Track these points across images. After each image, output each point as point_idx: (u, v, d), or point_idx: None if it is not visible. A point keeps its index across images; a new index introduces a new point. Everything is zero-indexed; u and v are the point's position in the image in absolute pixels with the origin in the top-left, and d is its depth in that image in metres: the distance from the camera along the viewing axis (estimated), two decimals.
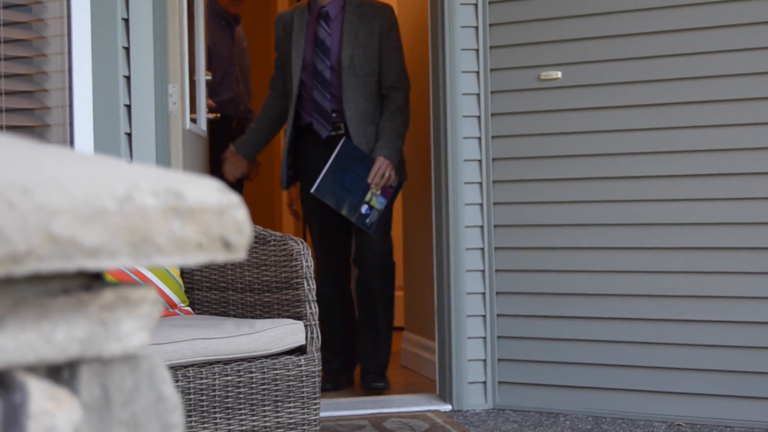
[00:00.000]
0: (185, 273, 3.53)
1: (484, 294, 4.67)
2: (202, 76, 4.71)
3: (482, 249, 4.68)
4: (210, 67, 5.81)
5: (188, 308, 3.49)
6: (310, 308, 3.24)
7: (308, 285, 3.25)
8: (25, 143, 0.96)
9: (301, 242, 3.29)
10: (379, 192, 4.87)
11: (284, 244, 3.31)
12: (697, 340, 4.24)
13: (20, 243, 0.81)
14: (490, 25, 4.67)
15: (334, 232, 5.14)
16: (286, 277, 3.29)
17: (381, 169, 4.88)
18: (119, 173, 0.92)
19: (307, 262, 3.26)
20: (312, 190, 4.86)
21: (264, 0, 7.94)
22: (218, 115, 5.31)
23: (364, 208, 4.84)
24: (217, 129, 5.82)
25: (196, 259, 0.94)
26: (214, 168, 5.71)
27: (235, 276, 3.42)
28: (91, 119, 3.80)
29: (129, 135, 3.86)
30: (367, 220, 4.85)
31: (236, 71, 6.01)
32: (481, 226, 4.68)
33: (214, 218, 0.94)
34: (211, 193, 0.95)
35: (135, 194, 0.89)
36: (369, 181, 4.86)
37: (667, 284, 4.29)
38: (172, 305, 3.44)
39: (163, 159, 3.97)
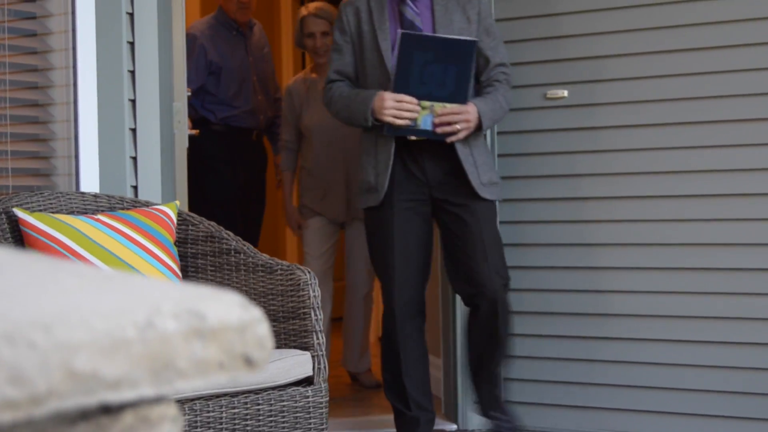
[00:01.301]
0: None
1: None
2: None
3: None
4: (221, 81, 5.76)
5: None
6: (317, 339, 3.22)
7: (315, 315, 3.23)
8: (45, 263, 0.95)
9: (308, 272, 3.27)
10: (438, 119, 3.97)
11: (291, 274, 3.30)
12: (701, 361, 4.22)
13: (41, 384, 0.79)
14: (497, 21, 4.63)
15: (418, 258, 4.17)
16: (293, 307, 3.27)
17: (457, 117, 3.98)
18: (140, 296, 0.90)
19: (314, 292, 3.24)
20: (403, 32, 3.96)
21: (267, 3, 7.91)
22: (197, 131, 4.81)
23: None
24: (233, 141, 5.77)
25: (217, 379, 0.92)
26: (211, 180, 5.68)
27: None
28: (96, 144, 3.78)
29: (134, 159, 3.84)
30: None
31: (253, 81, 5.85)
32: None
33: (235, 336, 0.92)
34: (232, 311, 0.93)
35: (156, 320, 0.87)
36: (439, 114, 3.97)
37: (673, 305, 4.27)
38: None
39: (168, 180, 3.96)
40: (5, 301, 0.84)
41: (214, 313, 0.91)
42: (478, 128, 4.03)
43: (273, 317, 3.32)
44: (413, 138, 4.02)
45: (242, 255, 3.44)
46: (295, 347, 3.26)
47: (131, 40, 3.83)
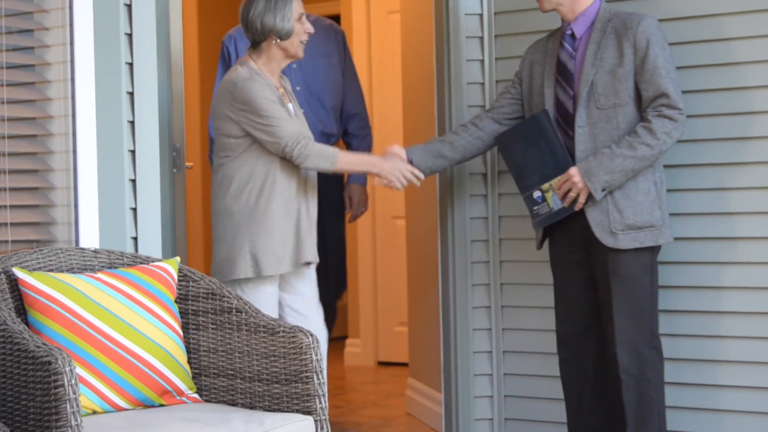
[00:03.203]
0: (192, 359, 3.49)
1: (491, 353, 4.64)
2: None
3: (489, 307, 4.64)
4: None
5: (195, 395, 3.44)
6: (320, 403, 3.20)
7: (318, 379, 3.21)
8: None
9: (311, 335, 3.25)
10: (559, 194, 3.98)
11: (293, 337, 3.27)
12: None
13: None
14: (496, 36, 4.62)
15: (579, 301, 4.07)
16: (295, 370, 3.25)
17: (566, 185, 3.94)
18: None
19: (316, 355, 3.22)
20: (495, 136, 4.14)
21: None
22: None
23: (536, 194, 4.03)
24: None
25: None
26: None
27: (243, 365, 3.38)
28: (95, 195, 3.76)
29: (134, 210, 3.81)
30: (535, 208, 4.04)
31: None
32: (488, 285, 4.64)
33: None
34: None
35: None
36: (557, 189, 3.97)
37: (678, 347, 4.24)
38: (179, 393, 3.40)
39: (168, 231, 3.94)
40: None
41: None
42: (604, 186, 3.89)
43: (275, 379, 3.30)
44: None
45: (243, 314, 3.41)
46: (297, 411, 3.24)
47: (131, 90, 3.81)
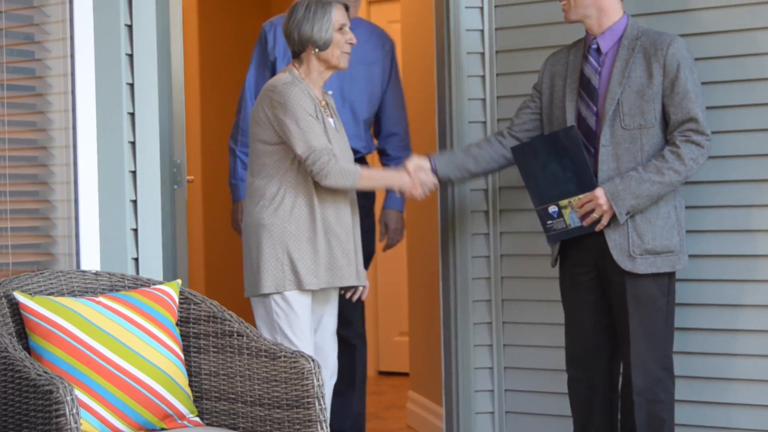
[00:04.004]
0: (193, 382, 3.49)
1: (492, 368, 4.64)
2: None
3: (490, 323, 4.64)
4: None
5: (197, 419, 3.44)
6: (322, 429, 3.20)
7: (319, 405, 3.21)
8: None
9: (313, 360, 3.24)
10: (579, 213, 3.91)
11: (295, 362, 3.27)
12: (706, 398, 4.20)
13: None
14: (497, 52, 4.61)
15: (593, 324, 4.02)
16: (296, 396, 3.24)
17: (589, 205, 3.88)
18: None
19: (318, 381, 3.22)
20: (511, 146, 4.06)
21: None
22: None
23: (552, 209, 3.95)
24: None
25: None
26: None
27: (244, 388, 3.38)
28: (96, 216, 3.76)
29: (135, 231, 3.81)
30: (549, 223, 3.97)
31: None
32: (489, 300, 4.64)
33: None
34: None
35: None
36: (577, 207, 3.91)
37: (697, 365, 4.22)
38: (180, 416, 3.40)
39: (169, 252, 3.93)
40: None
41: None
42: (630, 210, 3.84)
43: (276, 404, 3.29)
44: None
45: (245, 338, 3.41)
46: None
47: (131, 110, 3.80)
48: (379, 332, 7.22)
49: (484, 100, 4.63)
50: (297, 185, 3.83)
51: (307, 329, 3.81)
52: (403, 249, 6.14)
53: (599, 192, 3.84)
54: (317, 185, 3.84)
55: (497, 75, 4.61)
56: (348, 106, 4.67)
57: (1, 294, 3.32)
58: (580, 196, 3.88)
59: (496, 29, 4.61)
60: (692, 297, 4.17)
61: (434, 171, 4.09)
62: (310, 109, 3.83)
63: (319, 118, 3.85)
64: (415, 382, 5.69)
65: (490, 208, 4.61)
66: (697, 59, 3.95)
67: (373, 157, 5.02)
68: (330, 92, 4.21)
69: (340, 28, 3.91)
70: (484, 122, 4.61)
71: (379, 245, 4.87)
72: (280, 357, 3.31)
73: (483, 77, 4.63)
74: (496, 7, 4.59)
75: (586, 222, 3.89)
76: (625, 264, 3.85)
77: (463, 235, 4.64)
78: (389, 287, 7.14)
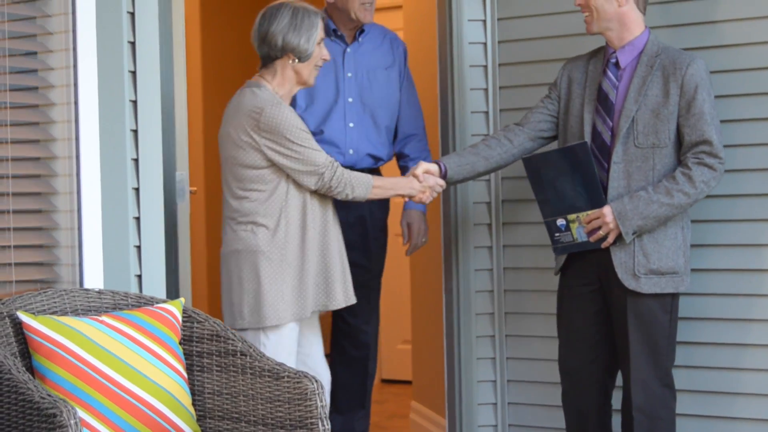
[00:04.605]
0: (197, 401, 3.48)
1: (495, 381, 4.64)
2: None
3: (493, 336, 4.64)
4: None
5: None
6: None
7: (323, 426, 3.20)
8: None
9: (316, 381, 3.24)
10: (586, 228, 3.91)
11: (298, 382, 3.27)
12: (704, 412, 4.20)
13: None
14: (500, 65, 4.62)
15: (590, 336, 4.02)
16: (300, 416, 3.24)
17: (596, 222, 3.89)
18: None
19: (321, 402, 3.22)
20: (523, 157, 4.06)
21: None
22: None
23: (560, 222, 3.96)
24: None
25: None
26: None
27: (248, 408, 3.38)
28: (100, 233, 3.76)
29: (138, 248, 3.81)
30: (556, 235, 3.98)
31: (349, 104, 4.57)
32: (492, 313, 4.64)
33: None
34: None
35: None
36: (585, 223, 3.91)
37: (702, 380, 4.22)
38: None
39: (172, 269, 3.93)
40: None
41: None
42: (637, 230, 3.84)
43: (279, 424, 3.29)
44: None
45: (248, 358, 3.40)
46: None
47: (134, 127, 3.80)
48: (382, 340, 7.22)
49: (486, 113, 4.63)
50: (288, 209, 3.75)
51: (292, 358, 3.77)
52: (406, 258, 6.14)
53: (607, 210, 3.84)
54: (306, 208, 3.76)
55: (500, 88, 4.62)
56: (369, 112, 4.50)
57: (5, 313, 3.31)
58: (588, 212, 3.88)
59: (498, 42, 4.61)
60: (699, 311, 4.18)
61: (443, 175, 4.07)
62: (301, 124, 3.73)
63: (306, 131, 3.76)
64: (418, 392, 5.69)
65: (492, 221, 4.61)
66: (712, 72, 3.94)
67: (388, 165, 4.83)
68: (351, 99, 4.14)
69: (320, 43, 3.84)
70: (487, 135, 4.60)
71: (402, 248, 4.73)
72: (283, 377, 3.31)
73: (486, 90, 4.63)
74: (498, 20, 4.60)
75: (593, 238, 3.89)
76: (629, 283, 3.85)
77: (466, 248, 4.64)
78: (392, 295, 7.13)
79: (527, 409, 4.58)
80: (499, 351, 4.62)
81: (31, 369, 3.29)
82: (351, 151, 4.41)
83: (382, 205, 4.53)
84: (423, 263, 5.49)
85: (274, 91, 3.80)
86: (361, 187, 3.79)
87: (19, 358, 3.28)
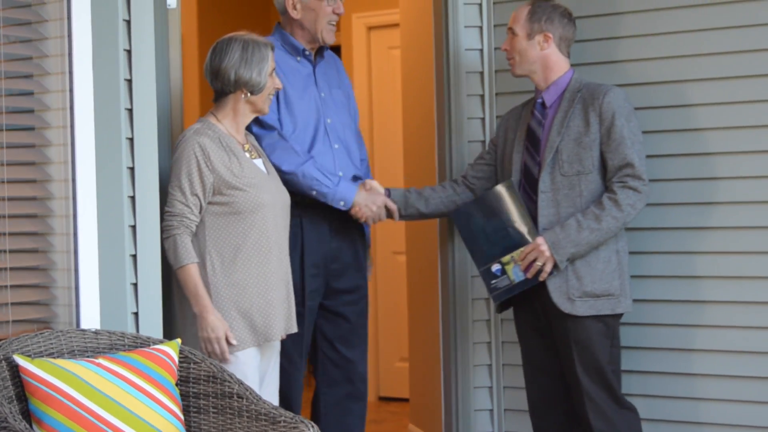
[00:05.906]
0: None
1: (491, 411, 4.65)
2: None
3: (489, 342, 4.64)
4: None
5: None
6: None
7: None
8: None
9: (313, 426, 3.24)
10: (522, 265, 4.01)
11: (294, 427, 3.27)
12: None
13: None
14: (496, 71, 4.63)
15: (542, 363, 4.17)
16: None
17: (532, 254, 3.98)
18: None
19: None
20: (452, 210, 4.23)
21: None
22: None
23: (495, 267, 4.05)
24: None
25: None
26: None
27: None
28: (96, 271, 3.76)
29: (135, 285, 3.81)
30: (493, 282, 4.06)
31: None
32: (489, 342, 4.65)
33: None
34: None
35: None
36: (520, 260, 4.00)
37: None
38: None
39: (169, 307, 3.93)
40: None
41: None
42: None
43: None
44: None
45: (244, 400, 3.40)
46: None
47: (131, 165, 3.79)
48: (380, 358, 7.22)
49: (483, 119, 4.66)
50: (221, 240, 3.75)
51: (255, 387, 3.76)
52: (402, 273, 6.14)
53: (540, 240, 3.95)
54: (246, 235, 3.74)
55: (496, 95, 4.64)
56: (343, 133, 4.36)
57: (1, 357, 3.31)
58: (522, 249, 3.97)
59: (495, 48, 4.62)
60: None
61: (387, 195, 4.25)
62: (194, 169, 3.71)
63: (209, 171, 3.72)
64: (415, 415, 5.69)
65: None
66: (640, 108, 4.11)
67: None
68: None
69: (271, 74, 3.87)
70: (483, 141, 4.64)
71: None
72: (279, 421, 3.31)
73: (482, 96, 4.65)
74: (495, 26, 4.63)
75: (530, 273, 3.98)
76: (565, 306, 3.94)
77: (463, 277, 4.64)
78: (389, 314, 7.13)
79: (524, 415, 4.58)
80: (496, 379, 4.63)
81: (27, 413, 3.29)
82: (341, 173, 4.28)
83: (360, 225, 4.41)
84: (420, 276, 5.49)
85: (224, 128, 3.82)
86: (176, 257, 3.70)
87: (15, 401, 3.28)
